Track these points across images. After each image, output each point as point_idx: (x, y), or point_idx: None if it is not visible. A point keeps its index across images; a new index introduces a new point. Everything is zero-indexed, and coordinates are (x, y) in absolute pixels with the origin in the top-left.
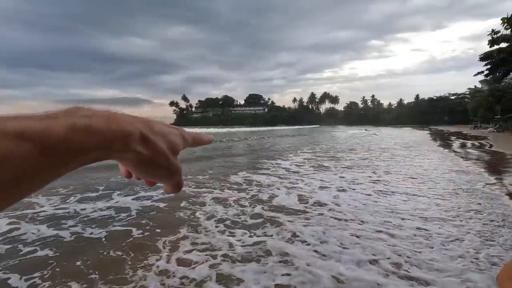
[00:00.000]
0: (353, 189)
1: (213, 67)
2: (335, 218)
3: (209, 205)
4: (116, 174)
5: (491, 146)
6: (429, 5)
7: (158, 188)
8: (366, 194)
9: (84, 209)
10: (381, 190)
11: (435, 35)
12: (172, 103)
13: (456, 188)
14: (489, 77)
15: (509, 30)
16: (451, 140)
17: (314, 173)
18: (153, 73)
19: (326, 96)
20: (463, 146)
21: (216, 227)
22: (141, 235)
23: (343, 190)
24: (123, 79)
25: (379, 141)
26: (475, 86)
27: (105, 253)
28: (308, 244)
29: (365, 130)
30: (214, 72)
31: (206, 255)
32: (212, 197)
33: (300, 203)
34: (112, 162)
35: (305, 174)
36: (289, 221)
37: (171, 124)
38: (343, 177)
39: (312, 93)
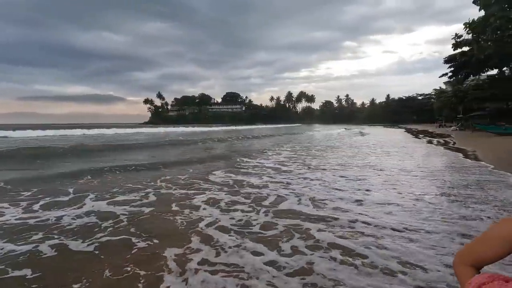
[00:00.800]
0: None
1: (190, 65)
2: (374, 225)
3: (203, 209)
4: (80, 175)
5: (454, 143)
6: (399, 9)
7: (135, 191)
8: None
9: (60, 217)
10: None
11: (404, 38)
12: (146, 101)
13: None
14: (452, 79)
15: (471, 34)
16: (419, 138)
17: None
18: (126, 70)
19: (302, 95)
20: (430, 143)
21: (229, 238)
22: (142, 247)
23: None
24: (95, 75)
25: (376, 143)
26: (440, 87)
27: (106, 271)
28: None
29: (345, 129)
30: (191, 70)
31: (240, 283)
32: (203, 200)
33: (314, 208)
34: (74, 164)
35: (300, 173)
36: (319, 230)
37: (145, 122)
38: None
39: (289, 92)
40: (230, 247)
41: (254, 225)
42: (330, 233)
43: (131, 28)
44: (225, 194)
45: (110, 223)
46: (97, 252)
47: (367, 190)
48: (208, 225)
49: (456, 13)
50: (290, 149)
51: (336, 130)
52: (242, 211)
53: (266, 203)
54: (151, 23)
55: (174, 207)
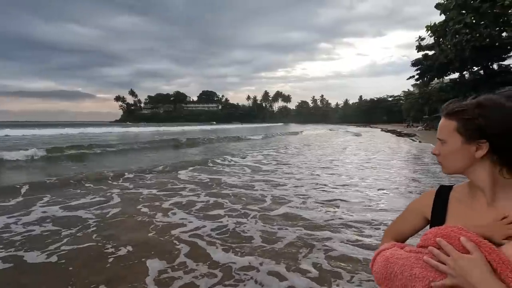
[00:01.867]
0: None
1: (164, 62)
2: None
3: (172, 213)
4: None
5: (420, 141)
6: (371, 13)
7: (90, 194)
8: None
9: (7, 224)
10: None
11: (376, 41)
12: (118, 98)
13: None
14: (419, 81)
15: (433, 37)
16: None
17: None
18: (96, 65)
19: (279, 95)
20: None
21: (221, 248)
22: (114, 258)
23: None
24: (60, 70)
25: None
26: (409, 90)
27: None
28: None
29: (330, 130)
30: (166, 67)
31: None
32: (174, 202)
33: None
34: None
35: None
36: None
37: (116, 120)
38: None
39: (265, 91)
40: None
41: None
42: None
43: (100, 21)
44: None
45: (73, 231)
46: (63, 265)
47: None
48: (187, 232)
49: (423, 19)
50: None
51: (321, 131)
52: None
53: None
54: (122, 17)
55: (142, 208)
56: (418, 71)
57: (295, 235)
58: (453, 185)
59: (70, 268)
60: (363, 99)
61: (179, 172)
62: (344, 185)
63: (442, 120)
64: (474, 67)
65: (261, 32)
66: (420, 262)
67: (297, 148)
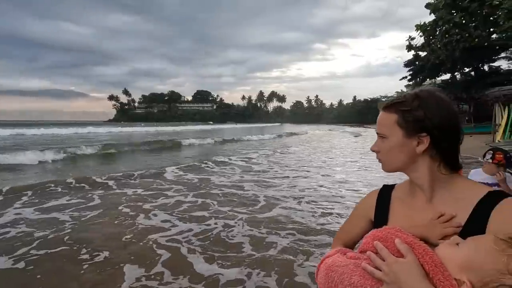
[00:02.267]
0: None
1: (159, 61)
2: None
3: (154, 214)
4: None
5: None
6: (365, 15)
7: (64, 195)
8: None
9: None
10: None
11: (370, 42)
12: (111, 97)
13: None
14: (411, 82)
15: (423, 37)
16: None
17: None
18: (89, 64)
19: (274, 95)
20: None
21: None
22: (91, 262)
23: None
24: (53, 68)
25: None
26: (402, 90)
27: None
28: None
29: (330, 130)
30: (160, 66)
31: None
32: (155, 206)
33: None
34: None
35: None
36: None
37: (110, 120)
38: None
39: (260, 91)
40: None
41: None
42: None
43: (94, 19)
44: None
45: (47, 234)
46: (39, 275)
47: None
48: (164, 236)
49: (416, 21)
50: None
51: (322, 131)
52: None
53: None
54: (116, 15)
55: (125, 210)
56: (411, 72)
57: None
58: (395, 184)
59: (38, 276)
60: (357, 99)
61: (171, 173)
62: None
63: (381, 114)
64: (465, 68)
65: (256, 32)
66: (359, 269)
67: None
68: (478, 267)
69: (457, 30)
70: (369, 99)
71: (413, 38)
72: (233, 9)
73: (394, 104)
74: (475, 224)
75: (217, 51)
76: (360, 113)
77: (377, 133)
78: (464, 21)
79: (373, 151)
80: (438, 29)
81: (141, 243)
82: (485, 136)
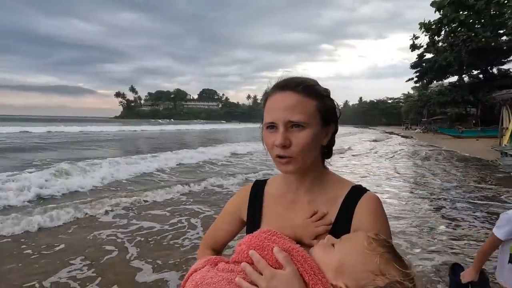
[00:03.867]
0: None
1: (165, 59)
2: None
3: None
4: None
5: (415, 139)
6: (373, 16)
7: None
8: None
9: None
10: None
11: (377, 44)
12: (118, 94)
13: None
14: (418, 84)
15: (427, 36)
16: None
17: None
18: (97, 61)
19: None
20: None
21: None
22: None
23: None
24: (62, 65)
25: None
26: (408, 92)
27: None
28: None
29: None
30: (167, 64)
31: None
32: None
33: None
34: None
35: None
36: None
37: (116, 117)
38: None
39: (266, 90)
40: None
41: None
42: None
43: (103, 17)
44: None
45: None
46: None
47: None
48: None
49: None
50: None
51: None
52: None
53: None
54: (125, 13)
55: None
56: (417, 74)
57: None
58: (267, 179)
59: None
60: (362, 100)
61: None
62: None
63: (295, 96)
64: (473, 71)
65: (263, 32)
66: (233, 285)
67: None
68: (352, 269)
69: (463, 30)
70: (375, 101)
71: (417, 37)
72: (241, 9)
73: (312, 87)
74: (343, 221)
75: (224, 50)
76: (365, 114)
77: (291, 121)
78: (470, 20)
79: (279, 146)
80: (443, 28)
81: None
82: (492, 140)
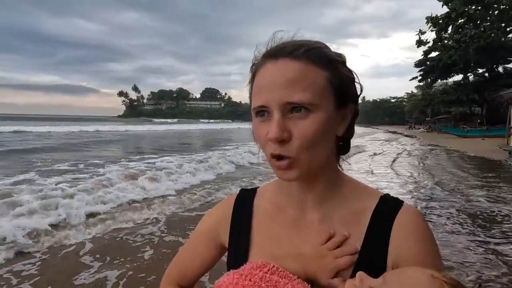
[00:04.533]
0: None
1: (168, 58)
2: None
3: None
4: None
5: (419, 138)
6: (376, 15)
7: None
8: None
9: None
10: None
11: (380, 43)
12: (121, 93)
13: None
14: (422, 83)
15: (434, 31)
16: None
17: None
18: (100, 60)
19: None
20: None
21: None
22: None
23: None
24: (65, 64)
25: None
26: (412, 91)
27: None
28: None
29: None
30: (169, 64)
31: None
32: None
33: None
34: None
35: None
36: None
37: (119, 116)
38: None
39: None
40: None
41: None
42: None
43: (106, 16)
44: None
45: None
46: None
47: None
48: None
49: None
50: None
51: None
52: None
53: None
54: (127, 13)
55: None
56: (421, 72)
57: None
58: (256, 188)
59: None
60: (365, 100)
61: None
62: None
63: (295, 66)
64: (479, 69)
65: (266, 31)
66: None
67: None
68: None
69: (471, 25)
70: (378, 100)
71: (423, 33)
72: (244, 8)
73: (320, 51)
74: (373, 249)
75: (227, 49)
76: (368, 113)
77: (286, 103)
78: (479, 15)
79: (273, 140)
80: (450, 23)
81: None
82: (498, 139)
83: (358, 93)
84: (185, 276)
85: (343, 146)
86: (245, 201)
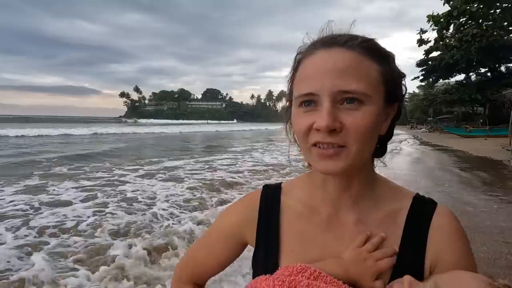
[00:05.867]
0: None
1: (170, 59)
2: None
3: None
4: None
5: (421, 139)
6: (377, 15)
7: None
8: None
9: None
10: None
11: (382, 43)
12: (123, 94)
13: None
14: (424, 83)
15: (436, 30)
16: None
17: None
18: (102, 61)
19: (283, 94)
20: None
21: None
22: None
23: None
24: (68, 65)
25: None
26: (414, 91)
27: None
28: None
29: None
30: (171, 64)
31: None
32: None
33: None
34: None
35: None
36: None
37: (121, 116)
38: None
39: (269, 90)
40: None
41: None
42: None
43: (109, 18)
44: None
45: None
46: None
47: None
48: None
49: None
50: None
51: None
52: None
53: None
54: (130, 14)
55: None
56: (423, 72)
57: None
58: (281, 183)
59: None
60: None
61: None
62: None
63: (351, 56)
64: (481, 69)
65: (267, 32)
66: None
67: None
68: None
69: (473, 24)
70: None
71: (424, 31)
72: (245, 8)
73: (375, 44)
74: (410, 251)
75: (228, 50)
76: None
77: (340, 92)
78: (481, 13)
79: (330, 129)
80: (452, 22)
81: None
82: (501, 139)
83: (404, 92)
84: (200, 275)
85: (379, 147)
86: (270, 198)
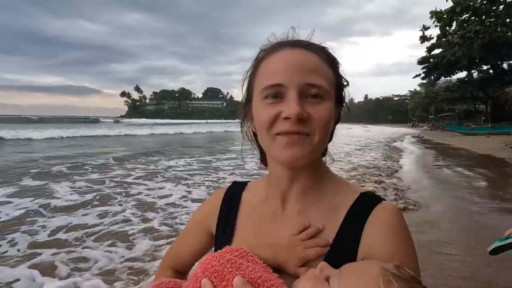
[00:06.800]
0: None
1: (170, 58)
2: None
3: None
4: None
5: (423, 137)
6: (378, 13)
7: None
8: None
9: None
10: None
11: (383, 41)
12: (123, 94)
13: None
14: (425, 80)
15: (438, 26)
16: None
17: None
18: (103, 61)
19: None
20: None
21: None
22: None
23: None
24: (68, 65)
25: None
26: (415, 89)
27: None
28: None
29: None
30: (172, 64)
31: None
32: None
33: None
34: None
35: None
36: None
37: (121, 116)
38: None
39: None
40: None
41: None
42: None
43: (109, 18)
44: None
45: None
46: None
47: None
48: None
49: (430, 20)
50: None
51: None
52: None
53: None
54: (130, 14)
55: None
56: (425, 70)
57: None
58: (247, 182)
59: None
60: (368, 98)
61: None
62: None
63: (314, 57)
64: (483, 66)
65: (268, 30)
66: None
67: None
68: None
69: (476, 19)
70: (380, 98)
71: (427, 28)
72: (246, 7)
73: (332, 53)
74: (346, 242)
75: (229, 49)
76: (371, 111)
77: (307, 85)
78: (485, 9)
79: (300, 117)
80: (455, 18)
81: None
82: (503, 137)
83: (346, 99)
84: (178, 261)
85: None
86: (234, 194)
